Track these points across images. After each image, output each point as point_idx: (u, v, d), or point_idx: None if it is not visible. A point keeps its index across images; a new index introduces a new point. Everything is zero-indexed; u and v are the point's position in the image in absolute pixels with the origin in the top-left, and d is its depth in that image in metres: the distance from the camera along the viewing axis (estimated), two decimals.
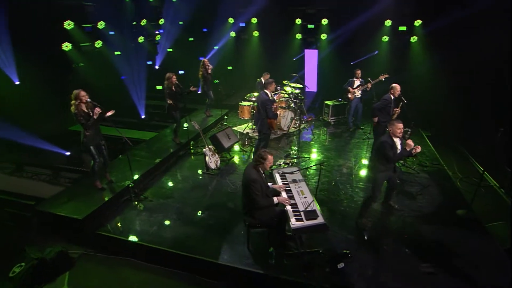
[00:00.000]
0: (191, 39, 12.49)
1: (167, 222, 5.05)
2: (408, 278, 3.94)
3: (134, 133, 8.94)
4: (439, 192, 5.80)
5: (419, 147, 4.32)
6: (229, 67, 13.04)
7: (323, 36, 11.10)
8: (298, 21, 11.22)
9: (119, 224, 5.01)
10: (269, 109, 6.06)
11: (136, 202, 5.53)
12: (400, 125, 4.39)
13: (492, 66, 8.01)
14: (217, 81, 8.91)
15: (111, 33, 9.49)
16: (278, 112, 7.90)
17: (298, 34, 11.46)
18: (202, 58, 9.01)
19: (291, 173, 4.64)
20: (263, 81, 8.43)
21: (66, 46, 8.09)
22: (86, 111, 5.03)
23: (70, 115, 4.95)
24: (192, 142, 7.70)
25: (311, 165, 6.65)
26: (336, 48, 11.11)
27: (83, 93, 4.96)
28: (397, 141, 4.48)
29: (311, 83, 12.30)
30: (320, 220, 3.72)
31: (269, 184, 4.36)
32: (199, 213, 5.28)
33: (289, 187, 4.45)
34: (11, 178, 6.72)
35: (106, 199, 5.31)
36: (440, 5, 9.16)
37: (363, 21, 10.09)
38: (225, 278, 4.17)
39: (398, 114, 6.30)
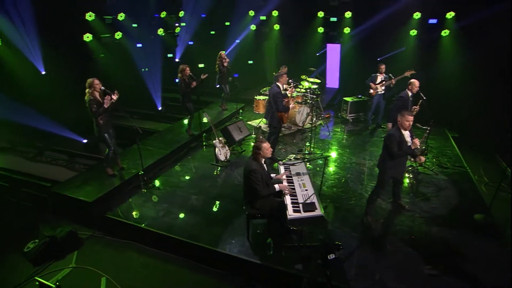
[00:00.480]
0: (212, 32, 12.85)
1: (172, 210, 5.34)
2: (408, 278, 3.95)
3: (150, 124, 9.40)
4: (457, 195, 5.67)
5: (423, 158, 4.31)
6: (250, 62, 13.27)
7: (346, 30, 11.01)
8: (321, 13, 11.20)
9: (126, 209, 5.38)
10: (279, 101, 6.20)
11: (144, 190, 5.89)
12: (410, 118, 4.36)
13: None
14: (236, 75, 9.13)
15: (134, 25, 10.01)
16: (290, 106, 8.01)
17: (320, 28, 11.45)
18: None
19: (293, 164, 4.79)
20: None
21: (87, 37, 8.67)
22: (100, 99, 5.43)
23: None
24: (204, 135, 8.00)
25: (315, 157, 6.73)
26: (359, 43, 10.97)
27: (97, 81, 5.36)
28: (406, 134, 4.44)
29: (333, 79, 12.25)
30: (317, 212, 3.83)
31: (272, 175, 4.54)
32: (205, 203, 5.53)
33: (291, 179, 4.58)
34: (32, 162, 7.35)
35: (116, 184, 5.72)
36: None
37: (390, 14, 9.90)
38: (225, 267, 4.38)
39: (417, 112, 6.20)
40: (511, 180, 6.09)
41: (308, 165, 6.42)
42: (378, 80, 8.16)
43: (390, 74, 7.88)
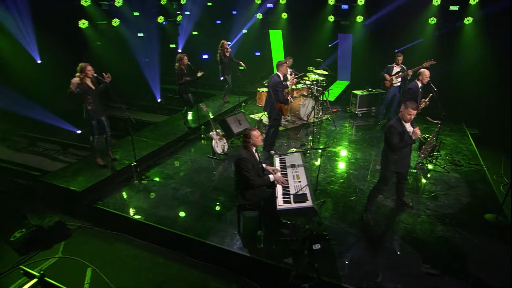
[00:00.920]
0: (218, 21, 13.01)
1: (164, 202, 5.50)
2: (405, 277, 3.98)
3: (149, 116, 9.63)
4: (468, 195, 5.64)
5: (418, 132, 4.34)
6: (257, 53, 13.39)
7: (359, 19, 10.99)
8: (331, 1, 11.20)
9: (117, 200, 5.56)
10: (280, 92, 6.29)
11: (136, 181, 6.09)
12: (413, 112, 4.38)
13: None
14: (242, 67, 9.25)
15: (135, 13, 10.22)
16: (294, 98, 8.07)
17: (331, 16, 11.46)
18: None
19: (286, 154, 4.91)
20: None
21: (83, 24, 8.89)
22: (91, 85, 5.63)
23: None
24: (203, 127, 8.16)
25: (312, 147, 6.81)
26: (373, 32, 10.93)
27: (89, 67, 5.54)
28: (408, 126, 4.48)
29: (345, 71, 12.25)
30: (308, 204, 3.91)
31: (264, 165, 4.65)
32: (198, 196, 5.68)
33: (285, 170, 4.68)
34: (24, 152, 7.65)
35: (106, 175, 5.93)
36: None
37: (407, 0, 9.83)
38: (215, 260, 4.51)
39: (426, 104, 6.20)
40: (511, 179, 5.96)
41: (314, 162, 6.55)
42: (394, 71, 8.07)
43: (404, 67, 7.85)
